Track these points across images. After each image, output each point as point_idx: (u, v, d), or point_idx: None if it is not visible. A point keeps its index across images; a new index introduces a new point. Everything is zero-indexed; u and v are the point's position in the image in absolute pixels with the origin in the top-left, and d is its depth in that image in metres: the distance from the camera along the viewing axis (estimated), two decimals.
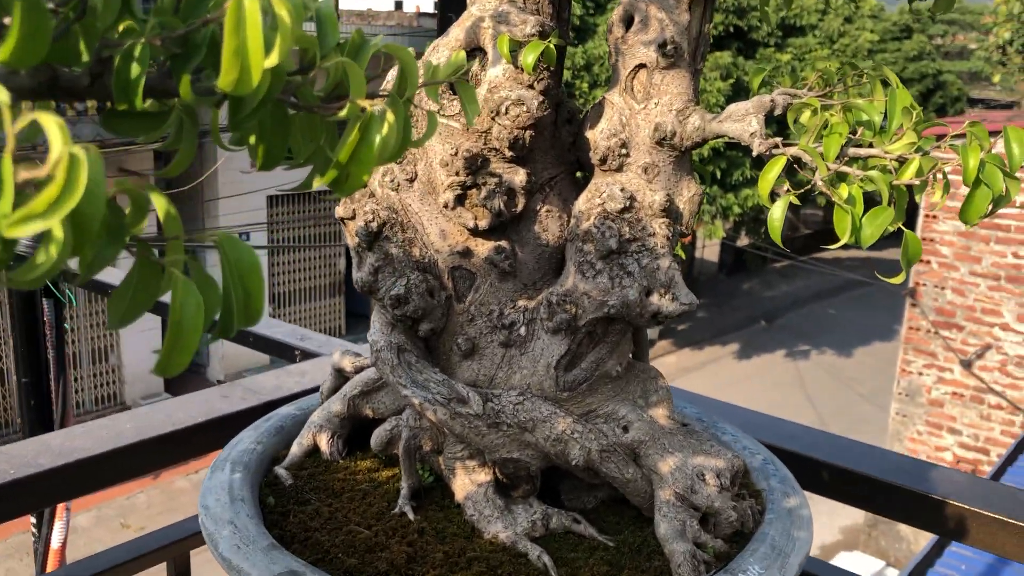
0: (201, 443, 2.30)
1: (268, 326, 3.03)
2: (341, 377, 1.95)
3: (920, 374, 11.60)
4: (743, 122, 1.46)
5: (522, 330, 1.61)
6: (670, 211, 1.56)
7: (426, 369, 1.63)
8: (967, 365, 11.21)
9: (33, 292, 4.19)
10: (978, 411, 11.23)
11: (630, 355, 1.67)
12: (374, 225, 1.60)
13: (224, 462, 1.76)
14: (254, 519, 1.57)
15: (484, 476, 1.66)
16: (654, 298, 1.51)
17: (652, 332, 19.95)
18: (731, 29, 17.21)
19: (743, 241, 23.55)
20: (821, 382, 18.75)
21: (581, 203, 1.58)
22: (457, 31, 1.55)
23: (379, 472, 1.83)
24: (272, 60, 0.64)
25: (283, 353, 2.94)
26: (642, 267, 1.51)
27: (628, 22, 1.55)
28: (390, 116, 0.73)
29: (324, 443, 1.86)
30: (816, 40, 18.60)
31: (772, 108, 1.46)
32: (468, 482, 1.66)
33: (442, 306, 1.65)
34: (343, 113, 0.74)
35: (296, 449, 1.87)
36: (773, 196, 1.33)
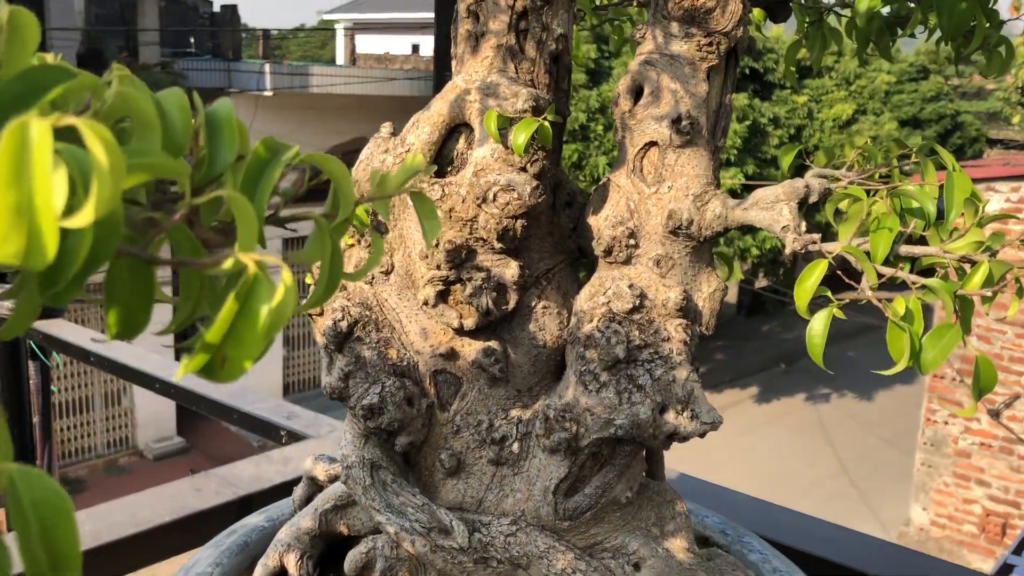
0: (169, 546, 2.07)
1: (252, 402, 2.81)
2: (315, 485, 1.72)
3: (946, 423, 11.24)
4: (772, 211, 1.24)
5: (515, 446, 1.39)
6: (687, 310, 1.34)
7: (404, 490, 1.40)
8: (995, 415, 10.85)
9: (18, 355, 4.00)
10: (1008, 462, 10.85)
11: (643, 475, 1.43)
12: (344, 324, 1.38)
13: None
14: None
15: None
16: (670, 416, 1.28)
17: None
18: (747, 71, 17.11)
19: (761, 283, 23.29)
20: (842, 426, 18.35)
21: (583, 300, 1.36)
22: (440, 104, 1.34)
23: None
24: (82, 219, 0.42)
25: (268, 433, 2.71)
26: (655, 379, 1.28)
27: (637, 94, 1.34)
28: (286, 275, 0.51)
29: (292, 565, 1.63)
30: (832, 82, 18.48)
31: (806, 196, 1.23)
32: None
33: (423, 416, 1.42)
34: (224, 267, 0.53)
35: (260, 572, 1.64)
36: (813, 306, 1.10)
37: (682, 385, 1.28)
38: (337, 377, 1.42)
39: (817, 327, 1.08)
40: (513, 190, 1.26)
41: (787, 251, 1.18)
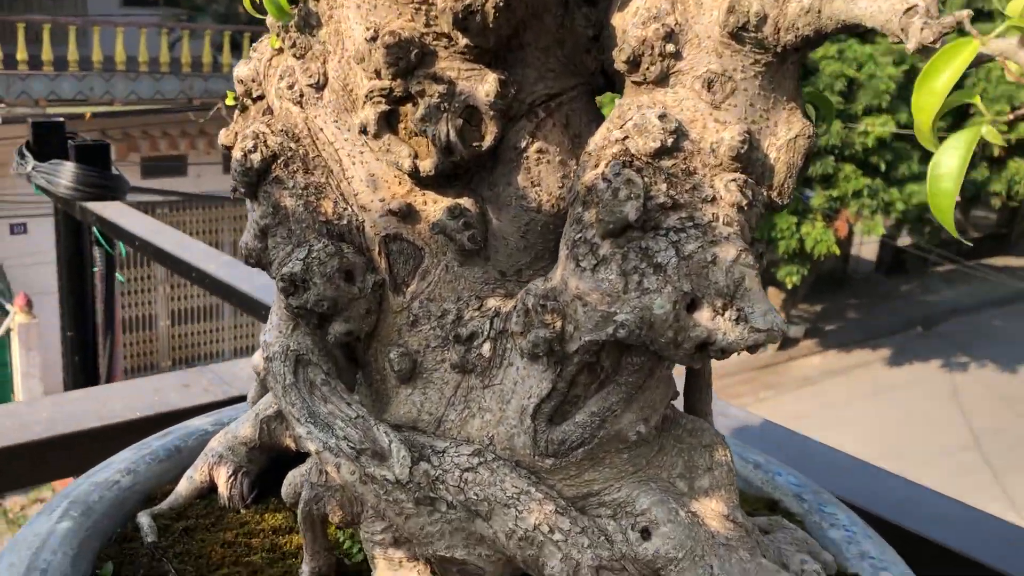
0: (130, 444, 1.76)
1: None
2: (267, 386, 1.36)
3: None
4: None
5: (485, 347, 0.96)
6: (750, 161, 0.87)
7: (335, 396, 1.01)
8: None
9: (82, 241, 3.83)
10: None
11: (668, 404, 0.99)
12: (256, 159, 0.98)
13: (61, 500, 1.20)
14: None
15: None
16: (702, 315, 0.83)
17: (796, 329, 18.81)
18: None
19: (904, 240, 21.89)
20: (979, 398, 17.14)
21: (596, 139, 0.91)
22: None
23: (289, 536, 1.23)
24: None
25: None
26: (683, 257, 0.83)
27: None
28: None
29: (222, 481, 1.28)
30: None
31: None
32: None
33: (368, 298, 1.02)
34: None
35: (184, 486, 1.29)
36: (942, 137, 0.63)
37: (726, 269, 0.82)
38: (252, 234, 1.03)
39: (949, 162, 0.61)
40: None
41: (910, 46, 0.70)
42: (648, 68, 0.87)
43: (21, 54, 11.98)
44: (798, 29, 0.83)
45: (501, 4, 0.83)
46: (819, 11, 0.81)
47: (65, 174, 3.41)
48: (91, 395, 1.85)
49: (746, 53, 0.86)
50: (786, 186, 0.90)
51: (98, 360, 4.03)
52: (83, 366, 3.95)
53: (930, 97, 0.61)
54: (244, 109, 1.05)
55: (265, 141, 0.98)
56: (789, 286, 16.31)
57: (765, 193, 0.89)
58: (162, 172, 13.62)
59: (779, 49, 0.85)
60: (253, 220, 1.02)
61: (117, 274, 3.96)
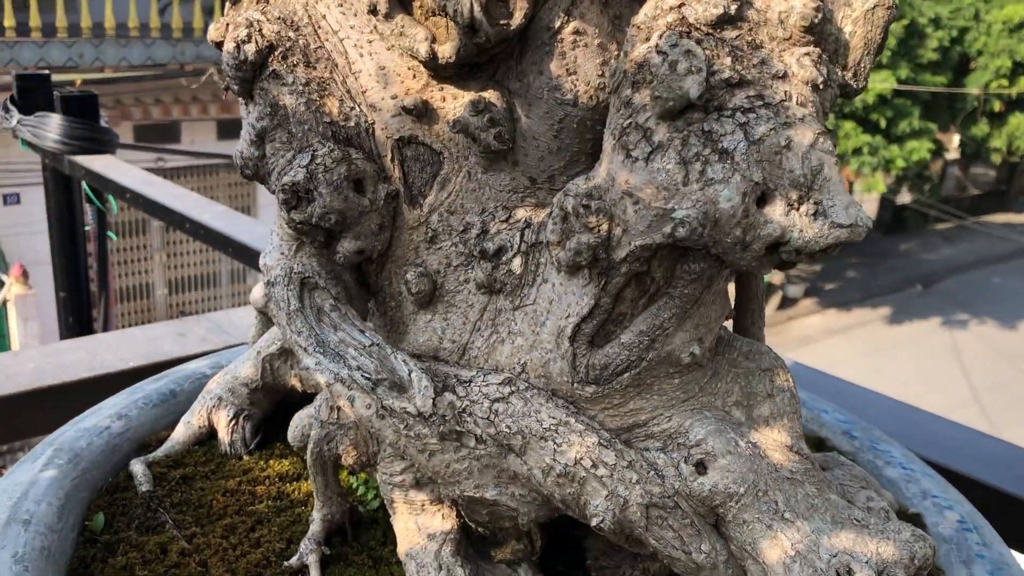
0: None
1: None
2: (270, 321, 1.24)
3: None
4: None
5: (516, 263, 0.85)
6: (823, 34, 0.75)
7: (346, 323, 0.89)
8: None
9: (72, 196, 3.70)
10: None
11: (724, 322, 0.87)
12: (250, 49, 0.86)
13: (46, 448, 1.09)
14: (29, 570, 0.89)
15: (440, 522, 0.92)
16: (775, 209, 0.71)
17: (795, 288, 18.73)
18: None
19: (904, 198, 21.77)
20: (979, 355, 17.13)
21: (646, 9, 0.78)
22: None
23: (296, 483, 1.12)
24: None
25: None
26: (753, 141, 0.71)
27: None
28: None
29: (223, 425, 1.16)
30: None
31: None
32: (413, 528, 0.93)
33: (380, 210, 0.90)
34: None
35: (181, 432, 1.18)
36: None
37: (802, 155, 0.70)
38: (248, 140, 0.91)
39: None
40: None
41: None
42: None
43: (9, 21, 11.73)
44: None
45: None
46: None
47: (52, 127, 3.27)
48: (81, 345, 1.74)
49: None
50: (863, 65, 0.78)
51: (92, 322, 3.91)
52: (78, 327, 3.83)
53: None
54: (236, 1, 0.92)
55: (260, 30, 0.85)
56: None
57: (840, 73, 0.77)
58: (155, 138, 13.42)
59: None
60: (249, 123, 0.90)
61: (109, 232, 3.83)
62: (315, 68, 0.88)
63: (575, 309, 0.82)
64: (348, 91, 0.88)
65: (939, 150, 18.51)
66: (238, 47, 0.85)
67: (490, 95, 0.85)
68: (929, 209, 20.83)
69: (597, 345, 0.83)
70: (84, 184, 3.57)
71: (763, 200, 0.72)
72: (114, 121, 12.55)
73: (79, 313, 3.84)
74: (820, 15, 0.74)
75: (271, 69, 0.87)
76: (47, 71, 3.57)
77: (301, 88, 0.87)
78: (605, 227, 0.76)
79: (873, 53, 0.78)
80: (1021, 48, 16.40)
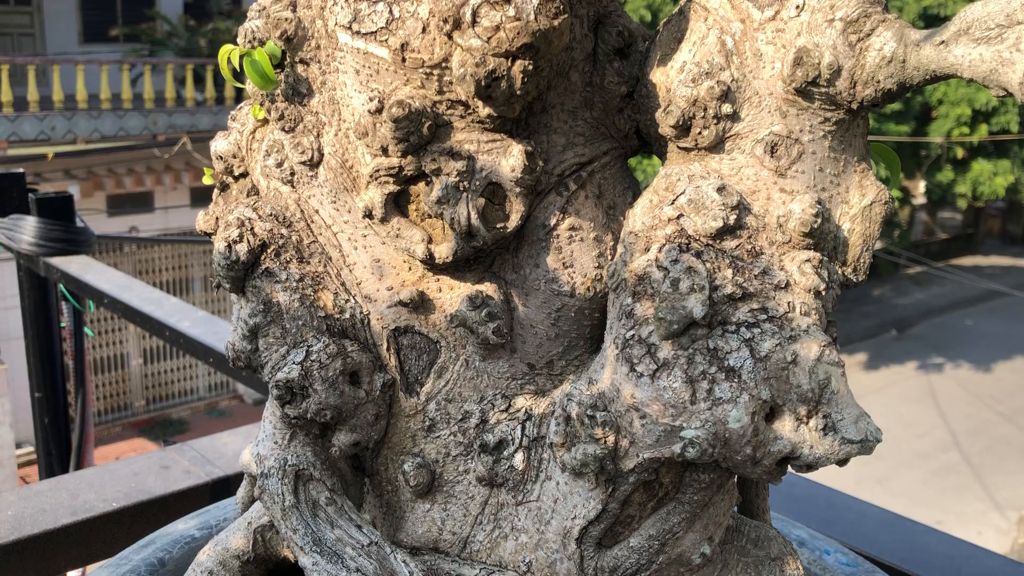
0: (104, 544, 1.60)
1: None
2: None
3: None
4: (1000, 43, 0.63)
5: (518, 458, 0.83)
6: (822, 236, 0.75)
7: (343, 518, 0.87)
8: None
9: (47, 297, 3.65)
10: None
11: (733, 512, 0.86)
12: (242, 250, 0.84)
13: None
14: None
15: None
16: (784, 425, 0.70)
17: None
18: None
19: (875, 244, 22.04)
20: (955, 398, 17.23)
21: (639, 213, 0.78)
22: None
23: None
24: None
25: None
26: (760, 358, 0.70)
27: None
28: None
29: None
30: None
31: None
32: None
33: (377, 401, 0.88)
34: None
35: None
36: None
37: (809, 370, 0.69)
38: (241, 333, 0.89)
39: None
40: (508, 2, 0.68)
41: None
42: (700, 132, 0.75)
43: None
44: (878, 82, 0.70)
45: (530, 67, 0.70)
46: (903, 60, 0.69)
47: (27, 229, 3.23)
48: (61, 485, 1.69)
49: (815, 111, 0.73)
50: (862, 260, 0.78)
51: (70, 422, 3.84)
52: (54, 429, 3.76)
53: None
54: (225, 188, 0.91)
55: (252, 229, 0.84)
56: None
57: (839, 270, 0.77)
58: (128, 209, 13.35)
59: (854, 105, 0.73)
60: (241, 319, 0.88)
61: (86, 328, 3.78)
62: (309, 263, 0.86)
63: (582, 511, 0.80)
64: (343, 283, 0.87)
65: (906, 197, 18.80)
66: (229, 247, 0.84)
67: (487, 288, 0.84)
68: (898, 258, 21.11)
69: (605, 546, 0.81)
70: (60, 285, 3.52)
71: (772, 415, 0.71)
72: (86, 191, 12.50)
73: (55, 414, 3.77)
74: (819, 220, 0.74)
75: (264, 267, 0.85)
76: (21, 171, 3.55)
77: (295, 284, 0.86)
78: (612, 439, 0.75)
79: (872, 248, 0.77)
80: (979, 96, 16.82)
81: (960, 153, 17.73)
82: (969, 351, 19.78)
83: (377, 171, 0.78)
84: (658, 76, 0.78)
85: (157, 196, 13.60)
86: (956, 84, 16.45)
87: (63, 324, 3.74)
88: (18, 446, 10.91)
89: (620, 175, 0.87)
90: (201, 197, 13.17)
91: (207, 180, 0.92)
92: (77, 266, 3.14)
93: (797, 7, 0.71)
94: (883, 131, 16.26)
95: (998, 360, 19.49)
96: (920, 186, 19.69)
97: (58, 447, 3.89)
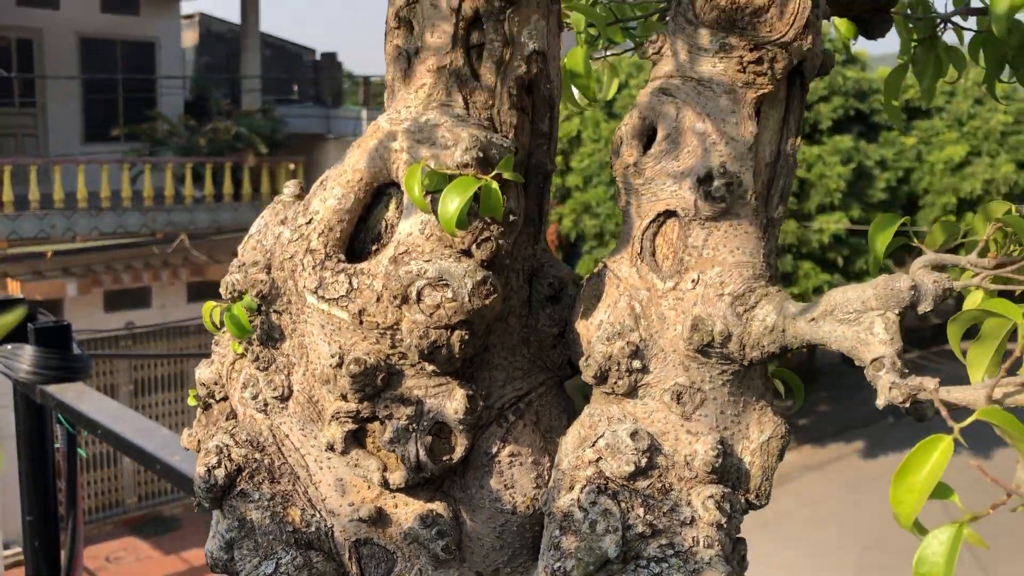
0: None
1: None
2: None
3: None
4: (857, 325, 0.76)
5: None
6: (725, 471, 0.86)
7: None
8: None
9: (43, 423, 3.73)
10: None
11: None
12: (219, 474, 0.95)
13: None
14: None
15: None
16: None
17: None
18: (851, 113, 16.31)
19: None
20: (958, 486, 17.11)
21: (569, 447, 0.89)
22: (356, 156, 0.91)
23: None
24: None
25: None
26: None
27: (648, 138, 0.88)
28: None
29: None
30: (943, 123, 17.49)
31: (913, 303, 0.75)
32: None
33: None
34: None
35: None
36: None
37: None
38: (219, 544, 0.99)
39: (934, 552, 0.59)
40: (446, 286, 0.81)
41: (880, 401, 0.70)
42: (616, 383, 0.87)
43: None
44: (763, 347, 0.83)
45: (467, 336, 0.83)
46: (783, 330, 0.82)
47: (25, 359, 3.33)
48: None
49: (713, 365, 0.86)
50: (763, 488, 0.89)
51: (60, 547, 3.88)
52: (44, 553, 3.80)
53: (909, 494, 0.60)
54: (207, 407, 1.03)
55: (229, 455, 0.95)
56: None
57: (743, 499, 0.88)
58: (125, 304, 13.46)
59: (745, 363, 0.85)
60: (219, 532, 0.99)
61: (79, 450, 3.85)
62: (279, 482, 0.97)
63: None
64: (309, 500, 0.97)
65: None
66: (209, 472, 0.95)
67: (437, 507, 0.95)
68: None
69: None
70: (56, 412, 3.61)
71: None
72: (84, 288, 12.63)
73: (46, 537, 3.81)
74: (720, 459, 0.85)
75: (239, 488, 0.96)
76: (20, 296, 3.68)
77: (266, 503, 0.96)
78: None
79: (772, 477, 0.89)
80: (964, 186, 17.13)
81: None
82: (968, 437, 19.65)
83: (338, 412, 0.89)
84: (581, 328, 0.91)
85: (154, 291, 13.73)
86: (940, 174, 16.83)
87: (57, 445, 3.81)
88: (6, 546, 10.79)
89: (556, 400, 0.99)
90: (198, 293, 13.31)
91: (191, 402, 1.04)
92: (73, 393, 3.23)
93: (693, 281, 0.84)
94: (871, 220, 16.50)
95: (997, 446, 19.41)
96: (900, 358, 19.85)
97: (49, 569, 3.92)
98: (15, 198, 12.23)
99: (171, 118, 14.58)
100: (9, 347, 3.47)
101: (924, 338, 23.50)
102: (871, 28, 1.16)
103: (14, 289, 12.27)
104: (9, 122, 14.92)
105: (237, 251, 0.95)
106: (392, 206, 0.91)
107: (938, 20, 1.26)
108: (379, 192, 0.92)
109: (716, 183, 0.82)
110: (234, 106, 15.35)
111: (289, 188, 0.96)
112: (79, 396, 3.29)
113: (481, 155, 0.81)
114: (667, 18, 0.89)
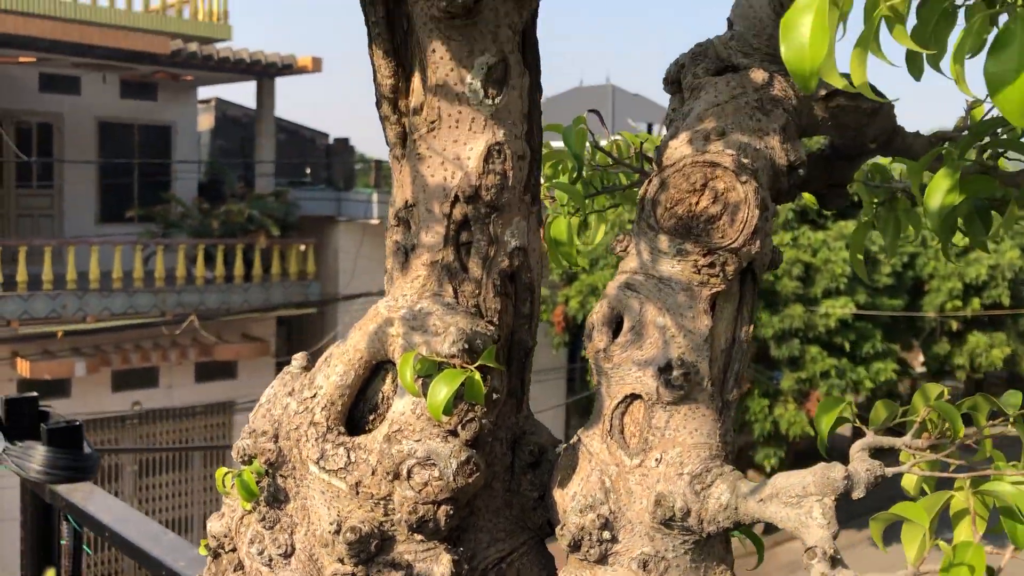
0: None
1: None
2: None
3: None
4: (798, 508, 0.85)
5: None
6: None
7: None
8: None
9: (50, 522, 3.79)
10: None
11: None
12: None
13: None
14: None
15: None
16: None
17: None
18: (856, 199, 16.53)
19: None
20: None
21: None
22: (357, 337, 1.02)
23: None
24: None
25: None
26: None
27: (617, 324, 0.99)
28: None
29: None
30: None
31: (847, 490, 0.85)
32: None
33: None
34: None
35: None
36: None
37: None
38: None
39: None
40: (434, 465, 0.91)
41: None
42: (588, 551, 0.96)
43: None
44: (719, 522, 0.92)
45: (451, 511, 0.93)
46: (736, 508, 0.91)
47: (36, 458, 3.42)
48: None
49: (675, 535, 0.95)
50: None
51: None
52: None
53: None
54: (216, 556, 1.12)
55: None
56: (768, 469, 16.21)
57: None
58: (133, 384, 13.50)
59: (704, 535, 0.94)
60: None
61: (85, 547, 3.90)
62: None
63: None
64: None
65: (905, 369, 18.86)
66: None
67: None
68: (900, 431, 20.86)
69: None
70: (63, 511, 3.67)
71: None
72: (92, 368, 12.70)
73: None
74: None
75: None
76: (34, 394, 3.77)
77: None
78: None
79: None
80: (969, 271, 17.21)
81: (955, 325, 17.98)
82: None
83: (335, 575, 0.98)
84: (557, 496, 1.00)
85: (162, 372, 13.77)
86: (944, 259, 16.90)
87: (63, 541, 3.87)
88: None
89: (537, 559, 1.07)
90: (206, 374, 13.38)
91: (202, 551, 1.13)
92: (81, 495, 3.30)
93: (656, 459, 0.94)
94: (877, 305, 16.61)
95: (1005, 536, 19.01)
96: (919, 357, 19.83)
97: None
98: (29, 278, 12.38)
99: (185, 201, 14.83)
100: (21, 445, 3.56)
101: None
102: (827, 201, 1.28)
103: (23, 369, 12.38)
104: (27, 203, 15.20)
105: (249, 419, 1.05)
106: (388, 380, 1.02)
107: (894, 189, 1.38)
108: (377, 367, 1.02)
109: (675, 373, 0.92)
110: (248, 189, 15.62)
111: (297, 360, 1.07)
112: (87, 496, 3.36)
113: (467, 346, 0.92)
114: (635, 219, 1.01)
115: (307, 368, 1.07)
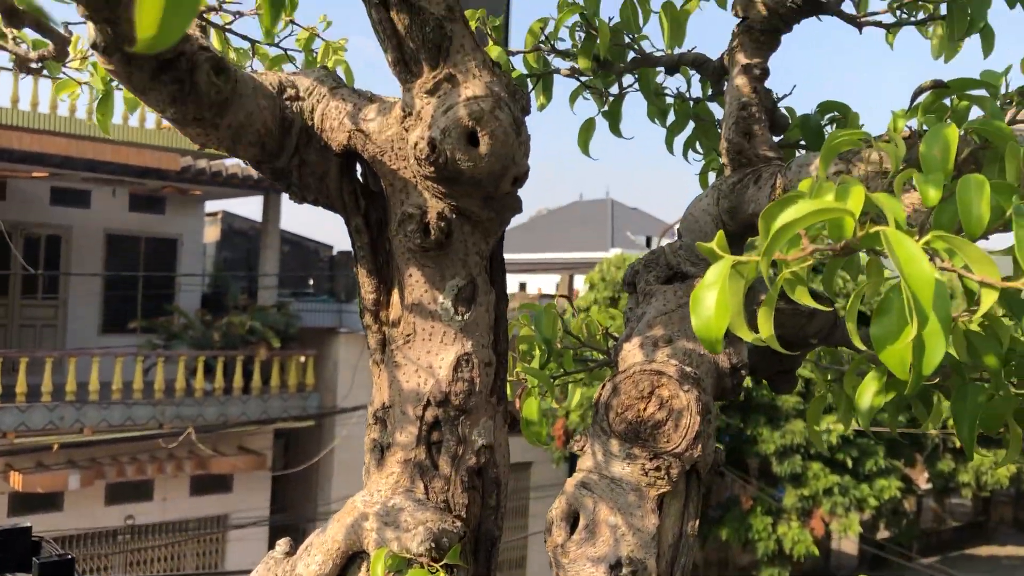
0: None
1: None
2: None
3: None
4: None
5: None
6: None
7: None
8: None
9: None
10: None
11: None
12: None
13: None
14: None
15: None
16: None
17: None
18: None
19: (882, 534, 21.61)
20: None
21: None
22: (335, 529, 1.11)
23: None
24: None
25: None
26: None
27: (574, 518, 1.08)
28: None
29: None
30: None
31: None
32: None
33: None
34: None
35: None
36: None
37: None
38: None
39: None
40: None
41: None
42: None
43: None
44: None
45: None
46: None
47: None
48: None
49: None
50: None
51: None
52: None
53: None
54: None
55: None
56: None
57: None
58: (127, 497, 13.34)
59: None
60: None
61: None
62: None
63: None
64: None
65: (909, 486, 18.65)
66: None
67: None
68: (909, 549, 20.62)
69: None
70: None
71: None
72: (87, 480, 12.56)
73: None
74: None
75: None
76: (28, 524, 3.80)
77: None
78: None
79: None
80: None
81: (959, 442, 17.81)
82: None
83: None
84: None
85: (157, 484, 13.62)
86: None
87: None
88: None
89: None
90: (201, 487, 13.24)
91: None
92: None
93: None
94: (879, 421, 16.53)
95: None
96: (924, 473, 19.61)
97: None
98: (28, 388, 12.38)
99: (188, 312, 14.95)
100: None
101: (943, 542, 22.85)
102: (777, 386, 1.38)
103: (16, 482, 12.27)
104: (31, 313, 15.32)
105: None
106: (363, 568, 1.10)
107: (843, 371, 1.49)
108: (353, 555, 1.11)
109: (624, 570, 1.01)
110: (251, 300, 15.78)
111: (281, 545, 1.16)
112: None
113: (434, 544, 1.01)
114: (591, 422, 1.11)
115: (290, 554, 1.16)
